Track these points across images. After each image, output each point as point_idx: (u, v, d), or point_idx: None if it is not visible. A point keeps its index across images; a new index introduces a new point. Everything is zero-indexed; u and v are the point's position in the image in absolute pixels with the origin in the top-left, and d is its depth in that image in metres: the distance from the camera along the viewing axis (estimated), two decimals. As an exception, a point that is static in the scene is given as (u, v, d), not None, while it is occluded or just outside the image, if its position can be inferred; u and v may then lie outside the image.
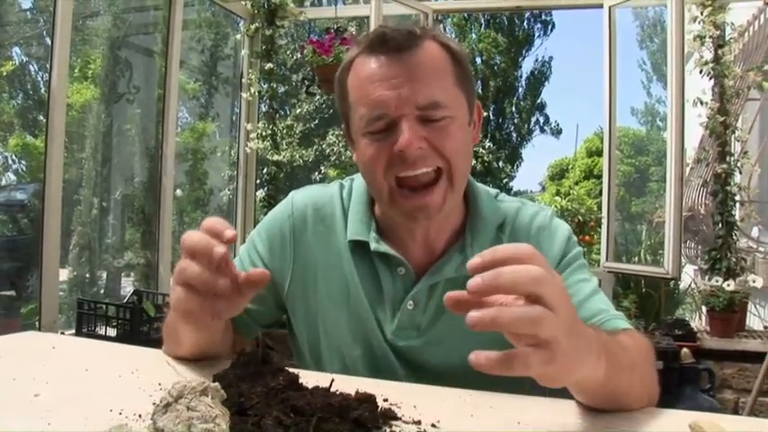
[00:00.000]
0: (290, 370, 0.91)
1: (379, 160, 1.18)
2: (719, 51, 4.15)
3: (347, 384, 0.95)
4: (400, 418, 0.89)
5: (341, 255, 1.32)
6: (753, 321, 5.07)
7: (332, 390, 0.92)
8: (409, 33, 1.18)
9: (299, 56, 4.93)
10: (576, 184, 14.83)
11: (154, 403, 0.68)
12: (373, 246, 1.28)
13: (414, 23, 1.26)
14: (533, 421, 0.92)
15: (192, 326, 1.07)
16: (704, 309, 4.24)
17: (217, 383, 0.67)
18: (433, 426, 0.87)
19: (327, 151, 11.21)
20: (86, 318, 3.45)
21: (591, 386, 0.90)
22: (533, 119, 20.52)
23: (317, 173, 10.95)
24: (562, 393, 1.07)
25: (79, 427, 0.82)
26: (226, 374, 0.89)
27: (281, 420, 0.80)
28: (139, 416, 0.85)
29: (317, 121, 12.98)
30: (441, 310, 1.28)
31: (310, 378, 0.97)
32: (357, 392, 0.91)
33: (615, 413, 0.97)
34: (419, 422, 0.88)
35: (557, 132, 20.77)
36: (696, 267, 5.36)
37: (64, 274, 4.65)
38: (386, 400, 0.95)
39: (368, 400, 0.89)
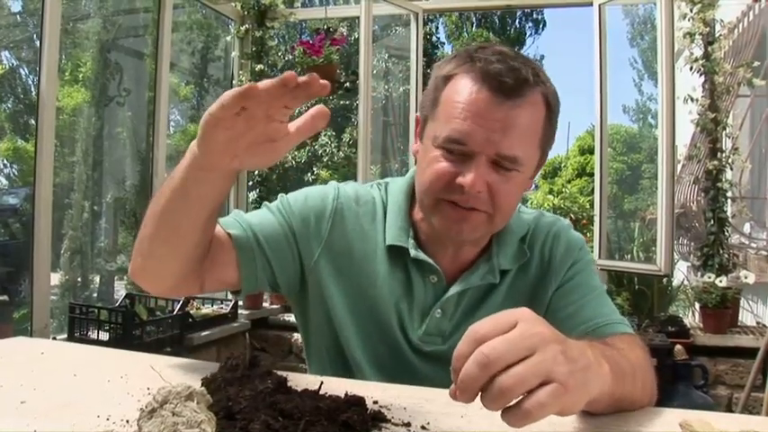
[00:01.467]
0: (279, 373, 0.91)
1: (441, 179, 1.19)
2: (709, 48, 4.16)
3: (337, 387, 0.95)
4: (390, 420, 0.89)
5: (375, 253, 1.33)
6: (745, 317, 5.09)
7: (321, 392, 0.91)
8: (524, 81, 1.16)
9: (290, 57, 4.90)
10: (569, 182, 14.83)
11: (139, 409, 0.68)
12: (413, 253, 1.30)
13: (528, 63, 1.22)
14: (524, 421, 0.91)
15: (205, 172, 1.03)
16: (697, 305, 4.25)
17: (202, 388, 0.67)
18: (423, 428, 0.87)
19: (320, 152, 11.19)
20: (78, 322, 3.43)
21: (601, 399, 0.90)
22: (525, 117, 20.51)
23: (309, 174, 10.93)
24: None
25: (66, 434, 0.82)
26: (214, 378, 0.89)
27: (269, 424, 0.79)
28: (127, 421, 0.84)
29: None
30: (465, 317, 1.31)
31: (300, 380, 0.97)
32: (346, 395, 0.91)
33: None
34: (409, 424, 0.88)
35: (549, 131, 20.76)
36: (689, 264, 5.37)
37: (56, 279, 4.63)
38: (375, 402, 0.95)
39: (357, 402, 0.89)
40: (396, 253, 1.32)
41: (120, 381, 1.06)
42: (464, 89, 1.17)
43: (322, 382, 0.92)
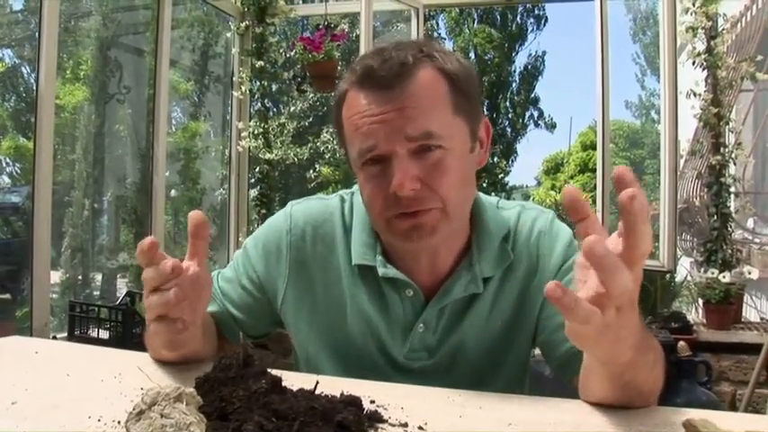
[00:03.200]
0: (274, 372, 0.89)
1: (377, 199, 1.15)
2: (712, 42, 4.13)
3: (333, 386, 0.93)
4: (386, 421, 0.87)
5: (340, 276, 1.29)
6: (749, 313, 5.06)
7: (317, 392, 0.90)
8: (401, 66, 1.11)
9: (291, 54, 4.88)
10: (571, 178, 14.81)
11: (127, 410, 0.66)
12: (381, 271, 1.24)
13: (409, 45, 1.21)
14: (524, 422, 0.90)
15: (170, 347, 1.10)
16: (700, 301, 4.23)
17: (192, 389, 0.65)
18: (420, 428, 0.85)
19: (322, 149, 11.18)
20: (78, 320, 3.43)
21: (611, 368, 0.90)
22: (527, 113, 20.49)
23: (311, 170, 10.92)
24: (555, 393, 1.06)
25: (55, 436, 0.80)
26: (207, 378, 0.87)
27: (262, 425, 0.77)
28: (118, 422, 0.82)
29: (311, 119, 12.94)
30: (450, 328, 1.26)
31: (295, 380, 0.95)
32: (342, 394, 0.89)
33: (608, 411, 0.95)
34: (406, 424, 0.86)
35: (551, 126, 20.73)
36: (692, 260, 5.35)
37: (56, 277, 4.63)
38: (372, 402, 0.93)
39: (353, 402, 0.87)
40: (364, 272, 1.27)
41: (113, 381, 1.04)
42: (354, 101, 1.16)
43: (317, 382, 0.90)
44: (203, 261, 1.04)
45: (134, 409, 0.64)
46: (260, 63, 4.90)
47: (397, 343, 1.27)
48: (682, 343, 3.75)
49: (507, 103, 20.10)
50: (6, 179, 6.45)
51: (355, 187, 1.37)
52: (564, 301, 0.75)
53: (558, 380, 1.23)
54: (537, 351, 1.33)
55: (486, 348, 1.27)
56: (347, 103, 1.18)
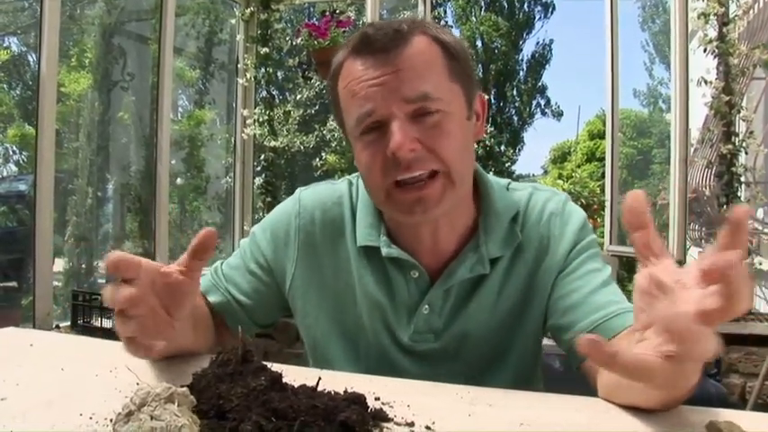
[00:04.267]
0: (274, 368, 0.85)
1: (375, 165, 1.13)
2: (724, 29, 4.07)
3: (337, 382, 0.89)
4: (392, 420, 0.83)
5: (349, 260, 1.28)
6: (759, 305, 5.02)
7: (319, 389, 0.86)
8: (395, 32, 1.12)
9: (296, 41, 4.84)
10: (579, 167, 14.73)
11: (115, 411, 0.62)
12: (385, 251, 1.23)
13: (403, 20, 1.21)
14: (537, 420, 0.86)
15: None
16: (710, 292, 4.18)
17: (185, 389, 0.61)
18: (428, 428, 0.81)
19: (328, 137, 11.13)
20: (81, 309, 3.41)
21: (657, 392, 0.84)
22: (534, 102, 20.41)
23: (317, 159, 10.87)
24: (568, 390, 1.02)
25: (45, 435, 0.76)
26: (204, 374, 0.83)
27: (260, 425, 0.73)
28: (110, 420, 0.79)
29: (317, 107, 12.88)
30: (456, 311, 1.24)
31: (297, 375, 0.91)
32: (346, 392, 0.85)
33: (623, 410, 0.91)
34: (412, 423, 0.82)
35: (558, 115, 20.65)
36: (701, 250, 5.30)
37: (60, 265, 4.61)
38: (377, 399, 0.89)
39: (357, 400, 0.83)
40: (370, 253, 1.26)
41: (108, 375, 1.01)
42: (350, 69, 1.15)
43: (320, 378, 0.86)
44: (194, 275, 0.99)
45: (123, 410, 0.60)
46: (265, 50, 4.86)
47: (402, 325, 1.25)
48: (691, 334, 3.71)
49: (514, 92, 20.03)
50: (13, 167, 6.44)
51: None
52: (599, 357, 0.70)
53: (570, 373, 1.20)
54: (549, 342, 1.30)
55: (494, 332, 1.25)
56: (342, 73, 1.18)
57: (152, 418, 0.57)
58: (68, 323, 3.48)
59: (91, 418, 0.81)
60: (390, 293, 1.25)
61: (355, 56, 1.15)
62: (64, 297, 4.32)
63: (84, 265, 4.95)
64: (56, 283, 4.32)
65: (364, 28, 1.18)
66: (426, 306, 1.23)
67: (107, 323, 3.34)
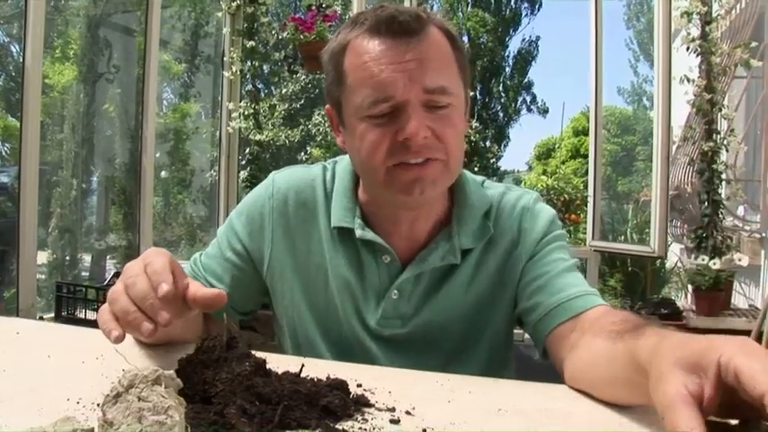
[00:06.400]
0: (258, 354, 0.87)
1: (381, 147, 1.13)
2: (707, 28, 4.11)
3: (320, 369, 0.91)
4: (373, 405, 0.85)
5: (321, 241, 1.30)
6: (738, 300, 5.08)
7: (302, 375, 0.88)
8: (418, 18, 1.13)
9: (283, 35, 4.84)
10: (563, 163, 14.81)
11: (103, 394, 0.64)
12: (359, 233, 1.25)
13: (416, 9, 1.23)
14: (514, 407, 0.88)
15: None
16: (690, 288, 4.23)
17: (171, 372, 0.63)
18: (408, 413, 0.83)
19: (313, 131, 11.14)
20: (66, 301, 3.40)
21: None
22: (520, 98, 20.48)
23: (302, 153, 10.88)
24: (546, 378, 1.04)
25: (33, 419, 0.77)
26: (190, 360, 0.85)
27: (245, 409, 0.75)
28: (98, 405, 0.80)
29: (302, 101, 12.88)
30: (425, 298, 1.26)
31: (281, 363, 0.93)
32: (328, 378, 0.87)
33: (596, 398, 0.93)
34: (393, 409, 0.84)
35: (543, 111, 20.73)
36: (682, 246, 5.36)
37: (44, 257, 4.59)
38: (359, 386, 0.91)
39: (339, 386, 0.85)
40: (343, 235, 1.27)
41: (95, 362, 1.02)
42: (366, 47, 1.14)
43: (303, 365, 0.88)
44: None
45: (111, 392, 0.62)
46: (251, 43, 4.85)
47: (371, 309, 1.27)
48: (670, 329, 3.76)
49: (500, 88, 20.08)
50: (-2, 160, 6.40)
51: (339, 158, 1.38)
52: None
53: (548, 365, 1.22)
54: (526, 336, 1.32)
55: (463, 321, 1.27)
56: (356, 50, 1.16)
57: (139, 399, 0.59)
58: (52, 315, 3.48)
59: (78, 402, 0.83)
60: (361, 276, 1.27)
61: (374, 34, 1.14)
62: (48, 289, 4.30)
63: (68, 257, 4.93)
64: (40, 275, 4.30)
65: (378, 9, 1.17)
66: (396, 291, 1.25)
67: (91, 315, 3.34)
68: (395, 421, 0.80)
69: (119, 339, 0.89)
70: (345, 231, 1.27)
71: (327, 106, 1.28)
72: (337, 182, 1.32)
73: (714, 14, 4.19)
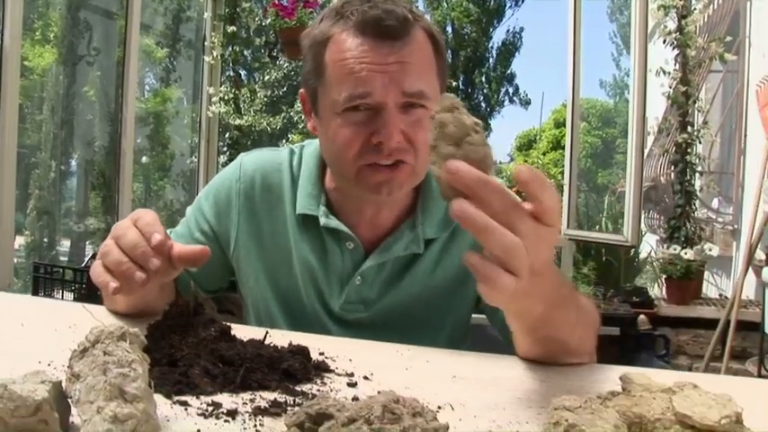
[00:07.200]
0: (223, 322, 0.91)
1: (353, 145, 1.15)
2: (683, 21, 4.17)
3: (285, 339, 0.95)
4: (333, 371, 0.89)
5: (286, 225, 1.32)
6: (710, 290, 5.17)
7: (266, 343, 0.91)
8: (404, 20, 1.14)
9: (265, 21, 4.84)
10: (544, 154, 14.91)
11: (71, 349, 0.67)
12: (323, 221, 1.27)
13: (398, 4, 1.22)
14: (468, 375, 0.92)
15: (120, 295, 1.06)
16: (663, 277, 4.31)
17: (136, 329, 0.66)
18: (366, 378, 0.87)
19: (295, 118, 11.14)
20: (43, 282, 3.41)
21: (525, 323, 0.91)
22: (503, 89, 20.53)
23: (284, 140, 10.88)
24: (502, 350, 1.09)
25: (4, 377, 0.81)
26: (157, 326, 0.88)
27: (208, 370, 0.79)
28: (68, 367, 0.83)
29: (285, 89, 12.87)
30: (388, 285, 1.29)
31: (247, 332, 0.97)
32: (290, 344, 0.91)
33: (548, 367, 0.98)
34: (352, 374, 0.88)
35: (526, 103, 20.81)
36: (658, 237, 5.44)
37: (21, 239, 4.58)
38: (322, 354, 0.95)
39: (301, 352, 0.89)
40: (307, 221, 1.29)
41: (68, 330, 1.05)
42: (349, 44, 1.15)
43: (267, 332, 0.92)
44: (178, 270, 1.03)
45: (78, 347, 0.65)
46: (232, 28, 4.86)
47: (334, 294, 1.30)
48: (642, 317, 3.84)
49: (483, 79, 20.12)
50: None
51: (306, 142, 1.40)
52: (482, 271, 0.73)
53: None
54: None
55: (425, 307, 1.30)
56: (338, 45, 1.16)
57: (105, 353, 0.62)
58: (29, 296, 3.48)
59: (49, 365, 0.86)
60: (325, 262, 1.29)
61: (358, 33, 1.14)
62: (25, 270, 4.30)
63: (46, 240, 4.93)
64: (18, 258, 4.29)
65: (365, 4, 1.16)
66: (359, 278, 1.28)
67: (68, 296, 3.35)
68: (352, 384, 0.84)
69: (117, 291, 0.94)
70: (310, 218, 1.29)
71: (301, 90, 1.29)
72: (304, 167, 1.34)
73: (692, 9, 4.26)
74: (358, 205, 1.28)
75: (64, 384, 0.64)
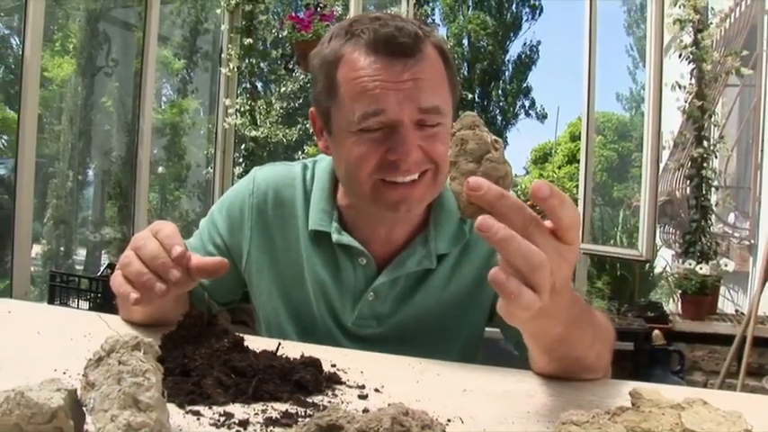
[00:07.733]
0: (236, 333, 0.91)
1: (368, 162, 1.15)
2: (699, 35, 4.16)
3: (297, 351, 0.95)
4: (344, 383, 0.89)
5: (299, 241, 1.32)
6: (725, 305, 5.13)
7: (279, 354, 0.92)
8: (416, 37, 1.14)
9: (282, 33, 4.88)
10: (559, 168, 14.87)
11: (86, 357, 0.68)
12: (335, 237, 1.27)
13: (410, 20, 1.23)
14: (479, 388, 0.93)
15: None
16: (678, 292, 4.28)
17: (150, 339, 0.67)
18: (377, 390, 0.88)
19: (311, 131, 11.16)
20: (59, 290, 3.44)
21: (542, 342, 0.91)
22: (519, 103, 20.52)
23: (299, 152, 10.91)
24: (515, 364, 1.09)
25: (20, 384, 0.82)
26: (171, 336, 0.89)
27: (221, 381, 0.80)
28: (83, 375, 0.85)
29: (301, 100, 12.92)
30: (401, 300, 1.29)
31: (260, 343, 0.98)
32: (302, 356, 0.92)
33: (560, 382, 0.98)
34: (363, 386, 0.88)
35: (542, 117, 20.78)
36: (673, 252, 5.41)
37: (38, 248, 4.62)
38: (333, 366, 0.96)
39: (313, 364, 0.90)
40: (320, 238, 1.29)
41: (83, 339, 1.06)
42: (362, 63, 1.15)
43: (280, 344, 0.93)
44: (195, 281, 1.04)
45: (93, 356, 0.66)
46: (249, 41, 4.89)
47: (346, 309, 1.30)
48: (657, 332, 3.80)
49: (499, 92, 20.12)
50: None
51: (319, 157, 1.39)
52: (507, 288, 0.72)
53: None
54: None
55: (438, 322, 1.30)
56: (351, 64, 1.16)
57: (119, 363, 0.63)
58: (45, 304, 3.51)
59: (65, 373, 0.87)
60: (337, 278, 1.29)
61: (370, 52, 1.14)
62: (41, 279, 4.34)
63: (63, 249, 4.97)
64: (34, 266, 4.33)
65: (375, 22, 1.17)
66: (372, 293, 1.28)
67: (84, 305, 3.38)
68: (363, 397, 0.85)
69: (138, 302, 0.95)
70: (322, 234, 1.29)
71: (312, 109, 1.29)
72: (316, 183, 1.34)
73: (708, 23, 4.25)
74: (371, 222, 1.28)
75: (79, 392, 0.65)
